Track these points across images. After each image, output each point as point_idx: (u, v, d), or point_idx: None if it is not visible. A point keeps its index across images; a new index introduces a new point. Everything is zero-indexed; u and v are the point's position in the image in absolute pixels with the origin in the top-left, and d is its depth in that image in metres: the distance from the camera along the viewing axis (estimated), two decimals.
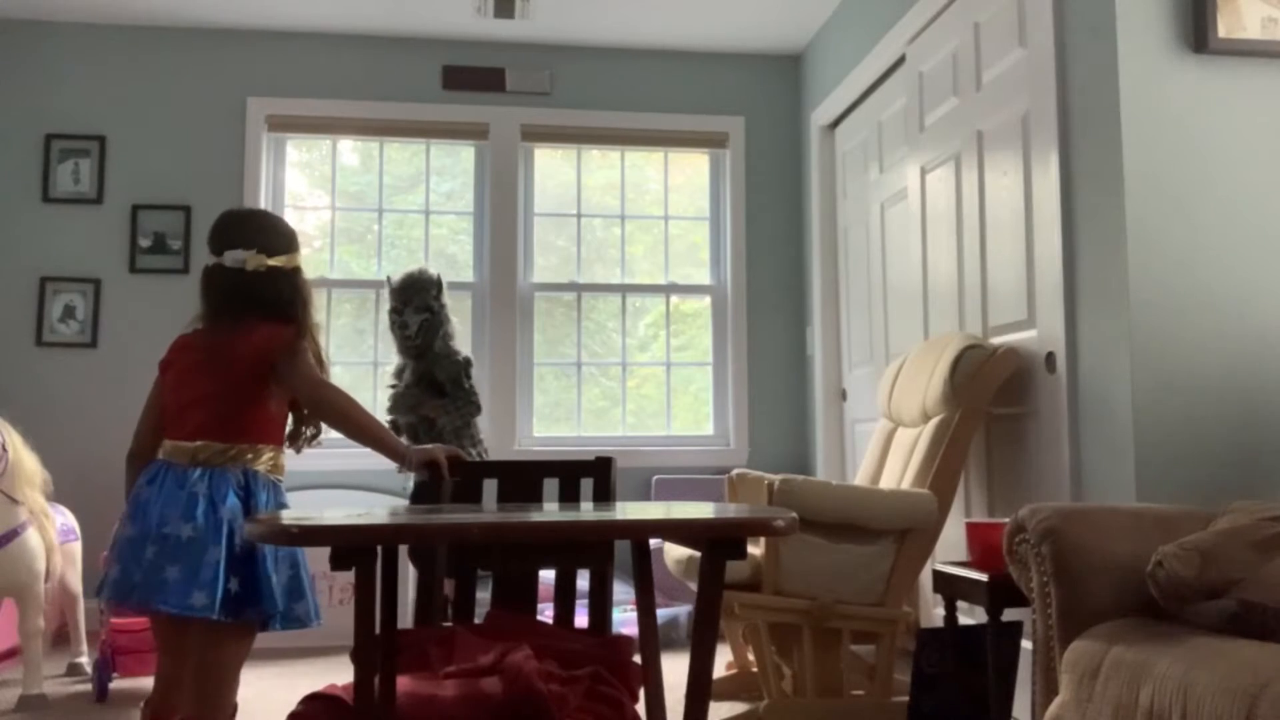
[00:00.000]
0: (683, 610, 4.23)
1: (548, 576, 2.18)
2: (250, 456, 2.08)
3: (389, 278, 3.80)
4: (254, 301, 2.11)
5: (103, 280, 4.67)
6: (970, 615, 3.13)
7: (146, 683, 3.53)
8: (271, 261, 2.13)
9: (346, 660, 3.67)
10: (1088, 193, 2.69)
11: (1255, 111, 2.59)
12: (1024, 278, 3.01)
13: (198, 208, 4.75)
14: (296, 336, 2.11)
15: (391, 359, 4.87)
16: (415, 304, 3.71)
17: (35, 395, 4.55)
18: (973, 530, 2.50)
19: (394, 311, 3.75)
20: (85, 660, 3.72)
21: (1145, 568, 1.93)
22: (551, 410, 5.01)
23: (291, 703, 1.81)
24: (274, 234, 2.20)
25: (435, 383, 3.80)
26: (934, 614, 3.54)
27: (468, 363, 3.80)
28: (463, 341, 4.91)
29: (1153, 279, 2.52)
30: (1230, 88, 2.58)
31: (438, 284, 3.78)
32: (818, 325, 4.84)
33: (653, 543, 3.92)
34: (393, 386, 3.94)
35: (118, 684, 3.51)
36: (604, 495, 2.23)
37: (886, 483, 3.29)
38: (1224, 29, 2.55)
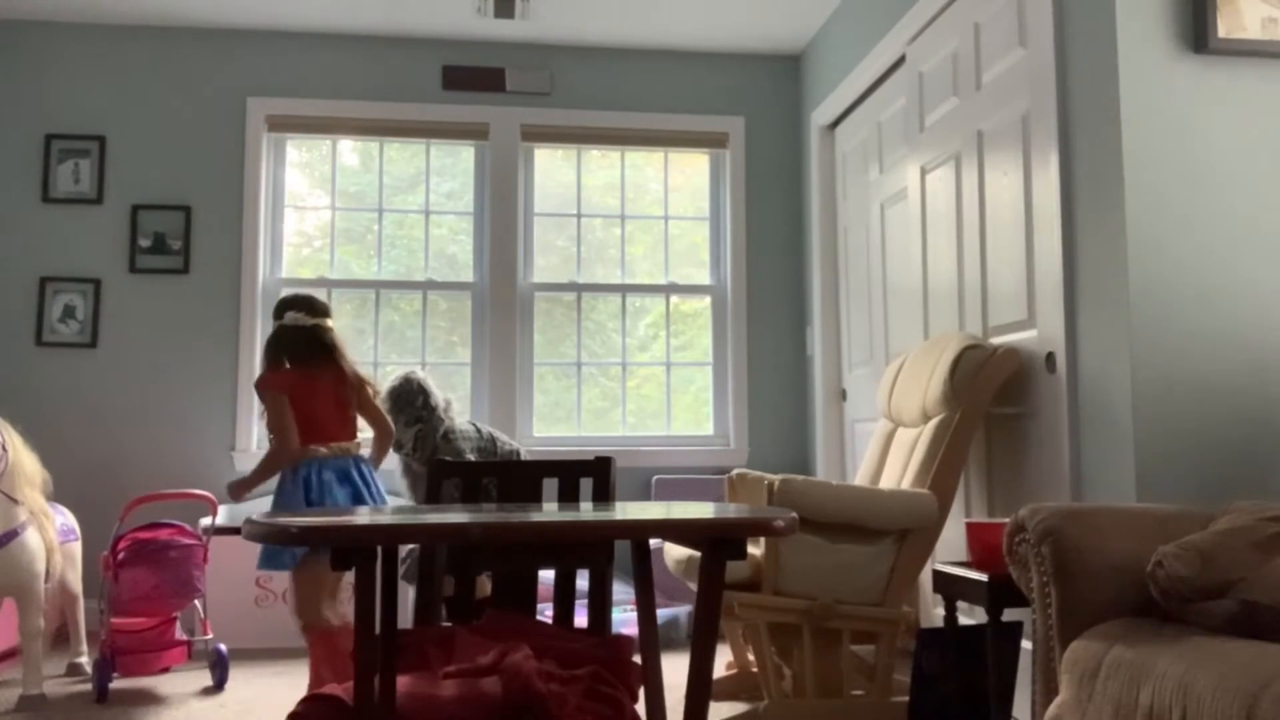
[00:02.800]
0: (683, 610, 4.23)
1: (548, 576, 2.18)
2: None
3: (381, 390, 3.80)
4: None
5: (103, 280, 4.67)
6: (970, 615, 3.13)
7: (146, 683, 3.55)
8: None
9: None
10: (1088, 193, 2.69)
11: (1255, 111, 2.59)
12: (1024, 278, 3.01)
13: (198, 208, 4.75)
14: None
15: (392, 359, 4.89)
16: (405, 418, 3.69)
17: (35, 395, 4.56)
18: (973, 530, 2.50)
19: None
20: (85, 660, 3.72)
21: (1145, 568, 1.93)
22: (551, 410, 5.01)
23: (291, 703, 1.82)
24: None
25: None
26: (934, 614, 3.54)
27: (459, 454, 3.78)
28: (463, 347, 4.91)
29: (1153, 279, 2.53)
30: (1230, 88, 2.59)
31: (421, 391, 3.73)
32: (818, 325, 4.84)
33: (653, 543, 3.92)
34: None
35: (118, 684, 3.51)
36: (603, 495, 2.23)
37: (886, 483, 3.29)
38: (1224, 29, 2.55)
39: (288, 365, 3.08)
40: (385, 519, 1.61)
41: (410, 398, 3.70)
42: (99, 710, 3.22)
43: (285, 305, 3.14)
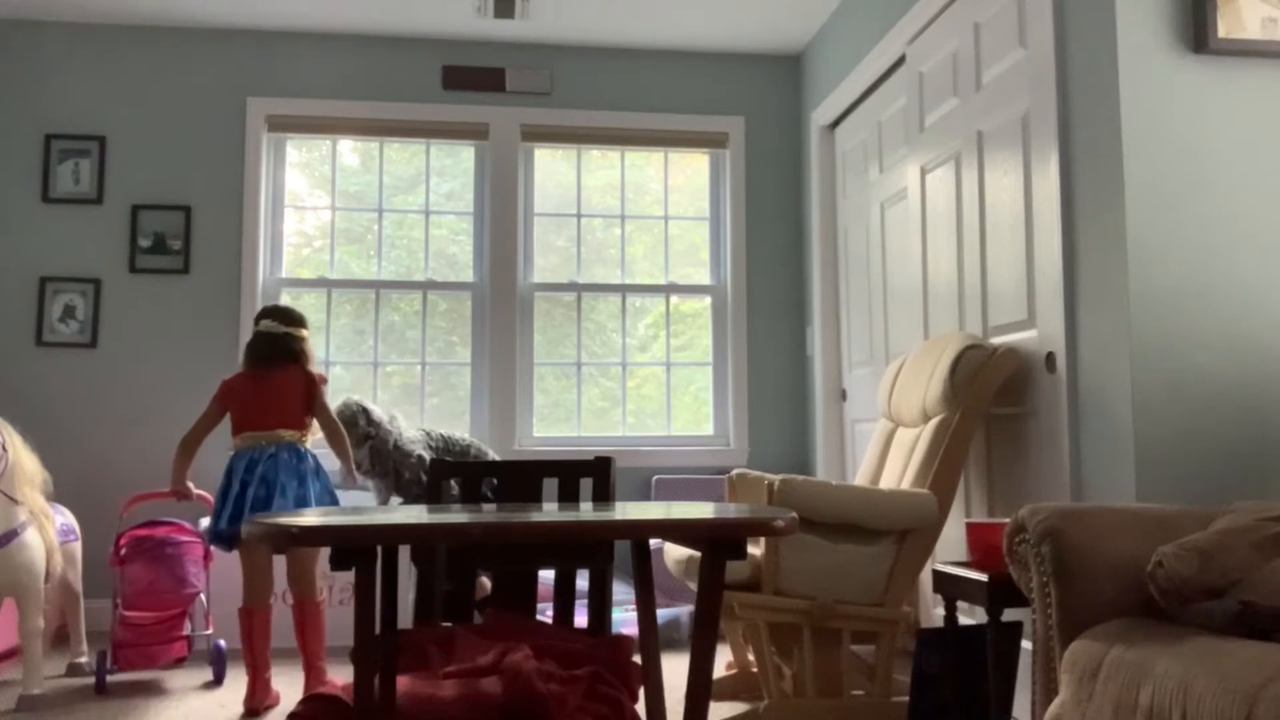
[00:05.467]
0: (683, 610, 4.23)
1: (548, 576, 2.18)
2: None
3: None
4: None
5: (103, 280, 4.67)
6: (970, 615, 3.14)
7: (148, 677, 3.55)
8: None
9: (346, 660, 3.68)
10: (1087, 192, 2.69)
11: (1255, 111, 2.59)
12: (1024, 278, 3.01)
13: (198, 208, 4.75)
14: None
15: (392, 359, 4.89)
16: (353, 439, 3.85)
17: (35, 395, 4.56)
18: (973, 530, 2.50)
19: None
20: (85, 660, 3.72)
21: (1145, 568, 1.93)
22: (551, 410, 5.01)
23: (292, 702, 1.82)
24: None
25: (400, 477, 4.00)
26: (934, 614, 3.54)
27: (421, 461, 3.94)
28: (463, 347, 4.91)
29: (1153, 279, 2.53)
30: (1230, 88, 2.59)
31: (361, 411, 3.92)
32: (818, 325, 4.84)
33: (653, 543, 3.91)
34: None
35: (119, 678, 3.53)
36: (603, 495, 2.23)
37: (886, 483, 3.29)
38: (1224, 29, 2.55)
39: (244, 366, 3.37)
40: (385, 519, 1.61)
41: (351, 420, 3.88)
42: (98, 705, 3.22)
43: (262, 314, 3.43)
